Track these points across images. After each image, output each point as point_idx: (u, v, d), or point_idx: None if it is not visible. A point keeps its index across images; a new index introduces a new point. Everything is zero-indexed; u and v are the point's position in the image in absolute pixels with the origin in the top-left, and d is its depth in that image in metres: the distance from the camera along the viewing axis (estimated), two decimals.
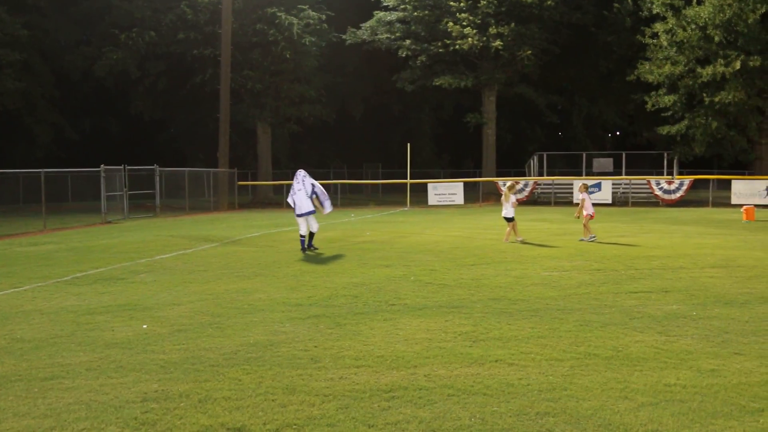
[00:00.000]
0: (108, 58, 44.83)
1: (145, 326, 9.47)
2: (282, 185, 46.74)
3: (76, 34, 50.60)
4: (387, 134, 68.77)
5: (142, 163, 37.75)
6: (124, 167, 34.11)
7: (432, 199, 42.51)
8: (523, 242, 19.21)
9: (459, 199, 41.90)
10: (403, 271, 14.16)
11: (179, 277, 14.01)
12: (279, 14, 44.64)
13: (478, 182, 45.90)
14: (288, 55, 44.94)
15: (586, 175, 44.90)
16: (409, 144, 42.67)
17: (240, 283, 13.04)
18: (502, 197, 20.14)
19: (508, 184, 20.54)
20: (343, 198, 46.79)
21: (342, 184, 48.42)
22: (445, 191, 42.78)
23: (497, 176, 47.03)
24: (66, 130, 51.23)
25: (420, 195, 43.74)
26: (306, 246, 17.94)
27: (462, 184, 42.90)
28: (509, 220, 19.56)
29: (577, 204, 21.55)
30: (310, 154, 69.30)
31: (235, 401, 6.35)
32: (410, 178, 42.21)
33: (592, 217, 19.69)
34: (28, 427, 5.77)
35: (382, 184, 56.07)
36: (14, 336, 9.06)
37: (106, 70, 45.57)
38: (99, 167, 32.60)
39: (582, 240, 19.34)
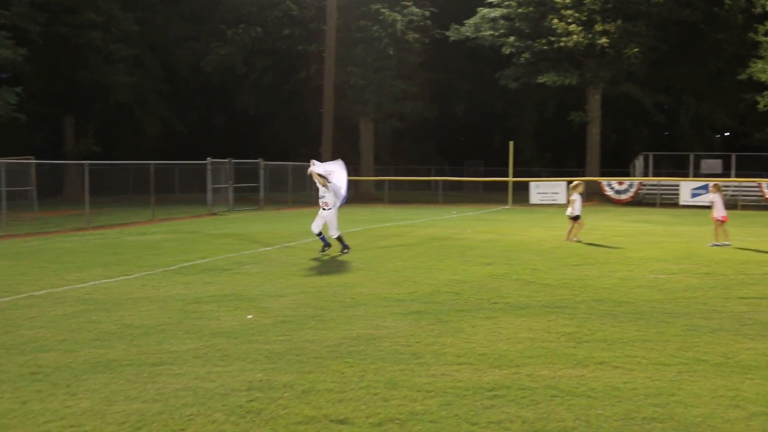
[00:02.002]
0: (215, 53, 45.78)
1: (250, 316, 9.61)
2: (384, 180, 46.97)
3: (184, 30, 51.74)
4: (488, 132, 68.34)
5: (246, 156, 38.40)
6: (230, 160, 34.75)
7: (534, 198, 42.10)
8: (578, 242, 18.98)
9: (561, 198, 41.29)
10: (505, 270, 14.04)
11: (283, 269, 14.19)
12: (383, 11, 44.83)
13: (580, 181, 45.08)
14: (391, 52, 45.09)
15: (694, 176, 43.76)
16: (511, 142, 42.27)
17: (342, 277, 13.14)
18: (568, 196, 19.98)
19: (574, 183, 20.21)
20: (444, 195, 46.65)
21: (443, 181, 48.30)
22: (548, 190, 42.30)
23: (601, 176, 46.20)
24: (174, 123, 52.49)
25: (522, 193, 43.30)
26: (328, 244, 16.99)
27: (565, 183, 42.22)
28: (573, 218, 19.35)
29: (690, 206, 20.90)
30: (412, 150, 69.40)
31: (337, 393, 6.39)
32: (512, 176, 41.87)
33: (724, 220, 18.83)
34: (138, 410, 5.92)
35: (483, 182, 55.72)
36: (125, 322, 9.31)
37: (214, 65, 46.54)
38: (205, 160, 33.30)
39: (714, 245, 18.49)
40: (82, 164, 26.99)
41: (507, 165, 42.10)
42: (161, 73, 49.99)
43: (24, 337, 8.49)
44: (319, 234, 16.83)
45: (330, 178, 16.56)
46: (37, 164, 29.87)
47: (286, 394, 6.35)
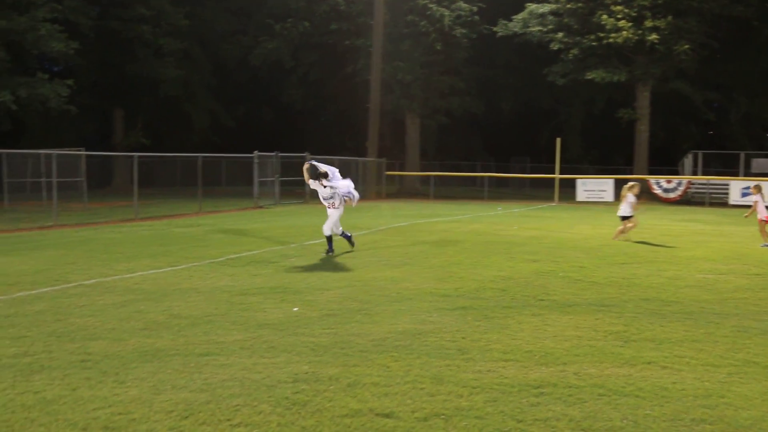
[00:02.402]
0: (263, 47, 46.11)
1: (296, 309, 9.65)
2: (429, 176, 46.91)
3: (232, 24, 52.09)
4: (535, 128, 67.94)
5: (291, 150, 38.50)
6: (276, 154, 34.93)
7: (580, 195, 41.76)
8: (627, 240, 18.82)
9: (608, 195, 40.94)
10: (551, 267, 13.93)
11: (328, 263, 14.24)
12: (430, 6, 44.74)
13: (628, 179, 44.62)
14: (438, 47, 45.00)
15: (744, 175, 43.13)
16: (558, 139, 41.97)
17: (388, 272, 13.13)
18: (621, 195, 19.71)
19: (629, 184, 19.92)
20: (490, 192, 46.46)
21: (489, 177, 48.11)
22: (595, 187, 41.90)
23: (649, 174, 45.68)
24: (222, 116, 52.91)
25: (568, 190, 42.99)
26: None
27: (612, 180, 41.87)
28: (624, 218, 19.13)
29: (740, 206, 20.53)
30: (457, 146, 69.23)
31: (383, 387, 6.38)
32: (559, 173, 41.60)
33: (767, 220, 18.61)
34: (185, 399, 5.96)
35: (530, 178, 55.41)
36: (172, 312, 9.40)
37: (261, 59, 46.86)
38: (252, 153, 33.49)
39: (765, 245, 18.16)
40: (132, 156, 27.29)
41: (553, 162, 41.82)
42: (209, 66, 50.41)
43: (74, 325, 8.61)
44: (342, 234, 16.57)
45: (329, 177, 15.64)
46: (87, 156, 30.26)
47: (331, 387, 6.36)
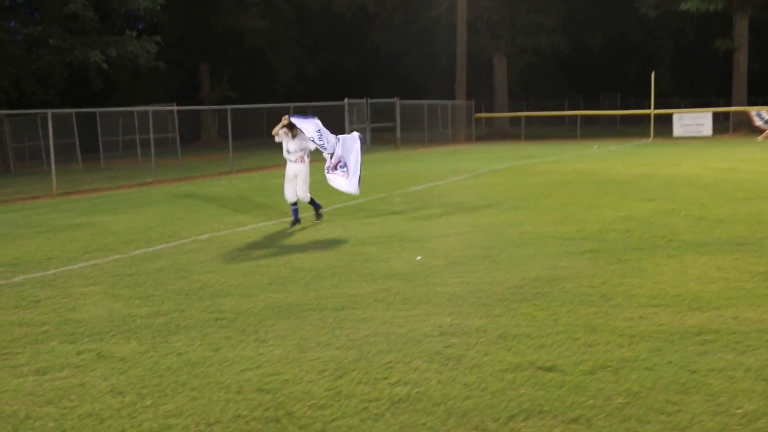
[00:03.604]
0: None
1: (419, 258, 9.35)
2: (518, 117, 46.08)
3: None
4: (622, 64, 66.18)
5: (375, 96, 38.04)
6: (366, 100, 34.56)
7: (677, 131, 40.37)
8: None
9: (707, 130, 39.55)
10: (670, 205, 13.34)
11: (438, 209, 13.90)
12: None
13: (728, 112, 43.12)
14: None
15: None
16: (653, 73, 40.65)
17: (501, 216, 12.73)
18: None
19: None
20: (582, 130, 45.38)
21: (582, 116, 46.98)
22: (692, 122, 40.46)
23: (749, 105, 43.94)
24: (306, 66, 52.67)
25: (661, 126, 41.67)
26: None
27: (710, 114, 40.43)
28: None
29: None
30: (542, 85, 67.93)
31: (536, 339, 6.03)
32: (654, 108, 40.38)
33: None
34: (334, 357, 5.69)
35: (620, 115, 54.02)
36: (294, 265, 9.18)
37: (345, 5, 46.27)
38: (341, 101, 33.18)
39: None
40: (225, 109, 27.22)
41: (642, 97, 40.54)
42: (293, 15, 50.05)
43: (199, 282, 8.45)
44: (294, 204, 13.01)
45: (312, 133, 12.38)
46: (178, 111, 30.37)
47: (481, 340, 6.03)
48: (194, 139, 46.26)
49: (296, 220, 12.80)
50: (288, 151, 12.69)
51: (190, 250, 10.53)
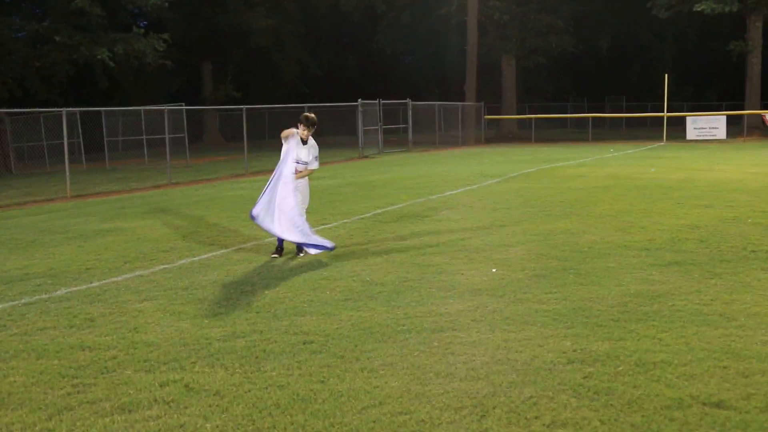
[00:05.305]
0: None
1: (494, 270, 8.64)
2: (527, 120, 45.43)
3: None
4: (628, 66, 65.61)
5: (376, 97, 37.21)
6: (379, 101, 33.85)
7: (691, 134, 39.68)
8: None
9: (721, 133, 38.89)
10: (731, 213, 12.64)
11: (485, 215, 13.20)
12: None
13: (742, 115, 42.45)
14: None
15: None
16: (666, 75, 40.04)
17: (557, 223, 12.01)
18: None
19: None
20: (586, 132, 44.68)
21: (580, 118, 46.28)
22: (706, 125, 39.80)
23: (762, 109, 43.33)
24: (310, 65, 51.93)
25: (669, 129, 40.88)
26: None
27: (725, 117, 39.79)
28: None
29: None
30: (544, 86, 67.25)
31: (679, 367, 5.31)
32: (666, 111, 39.79)
33: None
34: (464, 391, 4.95)
35: (627, 118, 53.39)
36: (362, 278, 8.45)
37: (353, 4, 45.55)
38: (347, 101, 32.48)
39: None
40: (240, 109, 26.49)
41: (643, 100, 39.93)
42: (299, 15, 49.33)
43: (265, 298, 7.71)
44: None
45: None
46: (178, 110, 29.66)
47: (619, 368, 5.31)
48: (196, 139, 45.48)
49: (280, 249, 10.15)
50: (297, 161, 10.19)
51: (240, 261, 9.80)
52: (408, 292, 7.72)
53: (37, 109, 25.17)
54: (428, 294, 7.61)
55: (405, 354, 5.76)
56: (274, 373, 5.43)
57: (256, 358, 5.80)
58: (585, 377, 5.16)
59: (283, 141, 10.18)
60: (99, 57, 30.48)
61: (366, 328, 6.45)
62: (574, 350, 5.73)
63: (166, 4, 33.27)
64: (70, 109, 22.80)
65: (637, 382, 5.04)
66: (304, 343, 6.10)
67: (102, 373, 5.58)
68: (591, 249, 9.75)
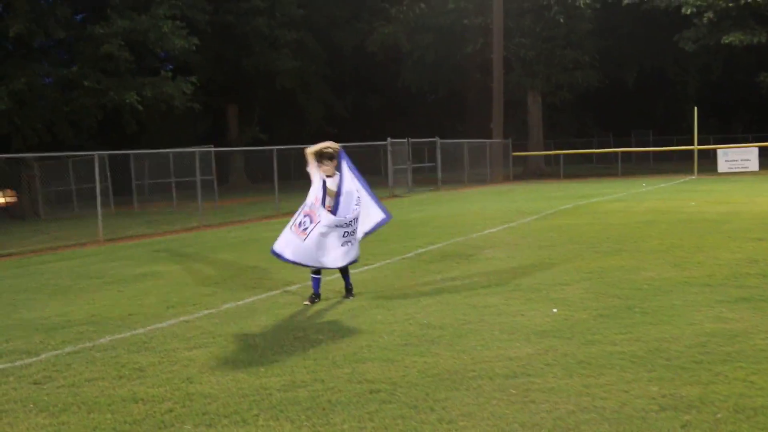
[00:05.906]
0: (379, 32, 44.81)
1: (554, 310, 8.26)
2: (554, 156, 45.08)
3: (346, 11, 51.02)
4: (653, 99, 65.20)
5: (399, 136, 36.95)
6: (408, 140, 33.65)
7: (722, 166, 39.13)
8: None
9: (753, 165, 38.34)
10: None
11: (531, 253, 12.81)
12: None
13: None
14: (561, 20, 42.86)
15: None
16: (695, 108, 39.64)
17: (609, 260, 11.60)
18: None
19: None
20: (614, 168, 44.29)
21: (604, 153, 45.90)
22: (737, 157, 39.26)
23: None
24: (335, 106, 51.99)
25: (702, 162, 40.38)
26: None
27: (756, 149, 39.25)
28: None
29: None
30: (569, 122, 66.96)
31: None
32: (696, 144, 39.35)
33: None
34: None
35: (654, 152, 52.92)
36: (416, 321, 8.09)
37: (378, 44, 45.60)
38: (372, 141, 32.29)
39: None
40: (270, 150, 26.35)
41: (669, 133, 39.52)
42: (323, 56, 49.48)
43: (318, 342, 7.37)
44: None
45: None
46: (205, 153, 29.55)
47: (718, 416, 4.93)
48: (223, 181, 45.44)
49: (316, 295, 9.47)
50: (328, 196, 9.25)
51: (286, 304, 9.47)
52: (470, 335, 7.35)
53: (67, 153, 24.98)
54: (491, 337, 7.24)
55: (482, 403, 5.39)
56: (345, 426, 5.07)
57: (323, 409, 5.44)
58: (683, 426, 4.77)
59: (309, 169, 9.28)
60: (128, 101, 30.45)
61: (434, 375, 6.09)
62: (663, 396, 5.35)
63: (194, 48, 33.29)
64: (102, 152, 22.65)
65: (742, 431, 4.65)
66: (371, 392, 5.75)
67: (160, 429, 5.25)
68: (650, 286, 9.36)
